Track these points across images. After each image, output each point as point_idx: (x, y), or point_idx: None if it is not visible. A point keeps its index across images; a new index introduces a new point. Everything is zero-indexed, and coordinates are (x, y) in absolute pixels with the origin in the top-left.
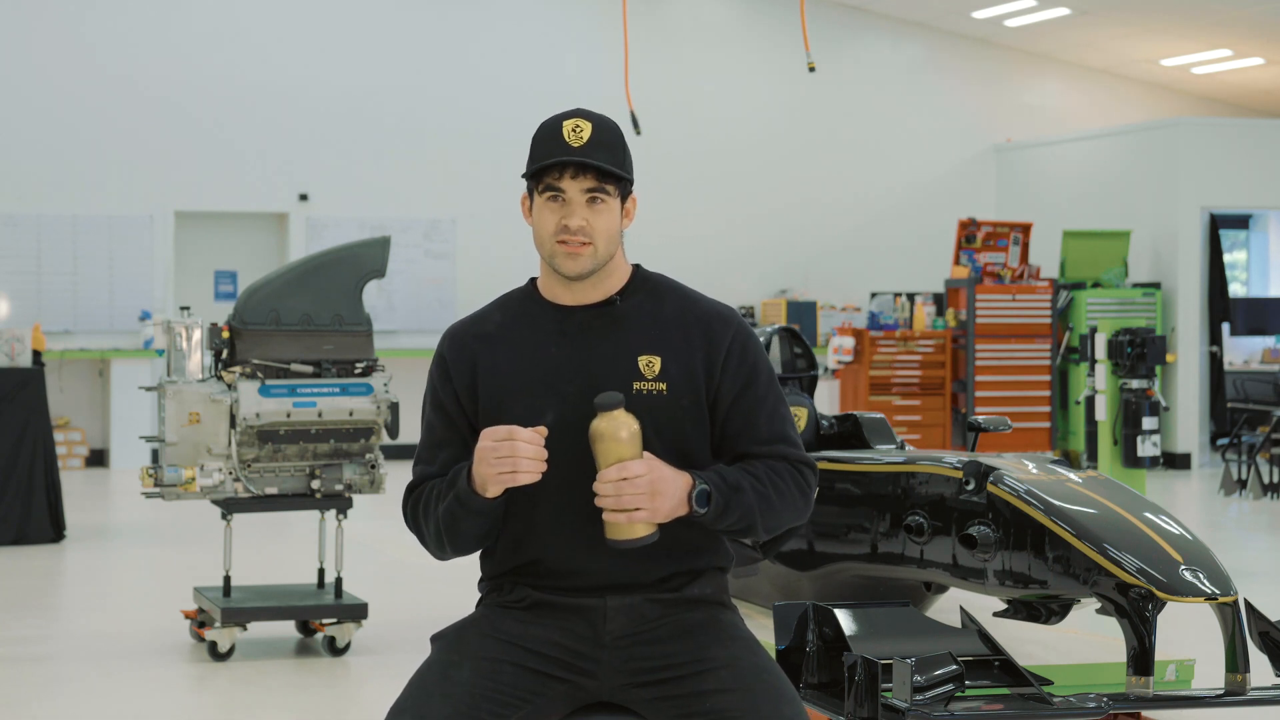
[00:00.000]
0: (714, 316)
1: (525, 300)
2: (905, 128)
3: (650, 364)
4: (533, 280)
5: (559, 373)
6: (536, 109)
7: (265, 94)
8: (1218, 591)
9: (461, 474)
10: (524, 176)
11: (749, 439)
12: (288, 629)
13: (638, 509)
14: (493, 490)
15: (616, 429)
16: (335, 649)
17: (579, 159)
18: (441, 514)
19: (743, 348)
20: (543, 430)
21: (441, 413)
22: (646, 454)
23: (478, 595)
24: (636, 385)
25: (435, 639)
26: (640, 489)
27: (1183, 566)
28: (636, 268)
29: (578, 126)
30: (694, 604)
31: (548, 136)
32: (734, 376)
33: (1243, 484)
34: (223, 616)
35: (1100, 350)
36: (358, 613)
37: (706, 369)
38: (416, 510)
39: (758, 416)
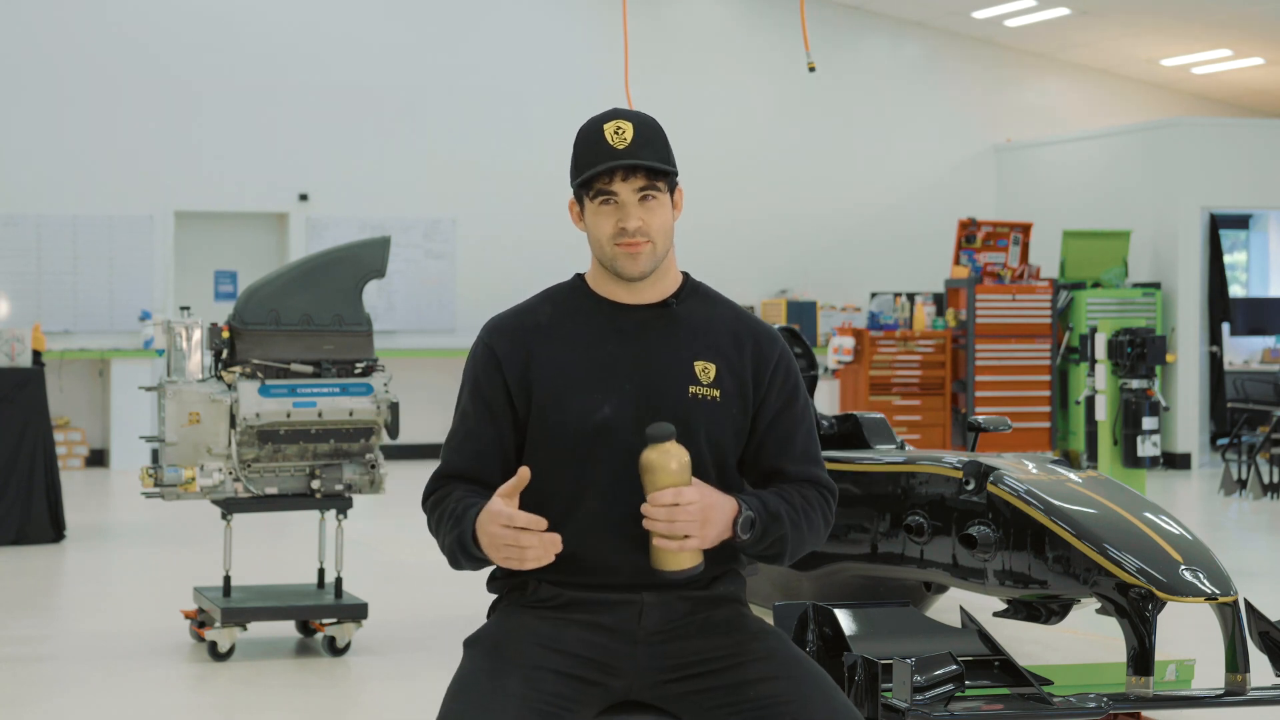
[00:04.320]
0: (763, 333)
1: (575, 295)
2: (905, 128)
3: (706, 370)
4: (579, 276)
5: (615, 370)
6: (537, 109)
7: (265, 94)
8: (1218, 591)
9: (468, 521)
10: (573, 185)
11: (785, 457)
12: (288, 629)
13: (688, 536)
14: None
15: (667, 460)
16: (335, 649)
17: (628, 161)
18: (446, 545)
19: (787, 368)
20: (542, 521)
21: (482, 402)
22: (695, 480)
23: (478, 594)
24: (692, 389)
25: (469, 644)
26: (693, 516)
27: (1183, 566)
28: (686, 275)
29: (619, 128)
30: (719, 601)
31: (591, 142)
32: (778, 394)
33: (1243, 484)
34: (223, 616)
35: (1100, 350)
36: (358, 613)
37: (755, 382)
38: (432, 518)
39: (795, 436)
